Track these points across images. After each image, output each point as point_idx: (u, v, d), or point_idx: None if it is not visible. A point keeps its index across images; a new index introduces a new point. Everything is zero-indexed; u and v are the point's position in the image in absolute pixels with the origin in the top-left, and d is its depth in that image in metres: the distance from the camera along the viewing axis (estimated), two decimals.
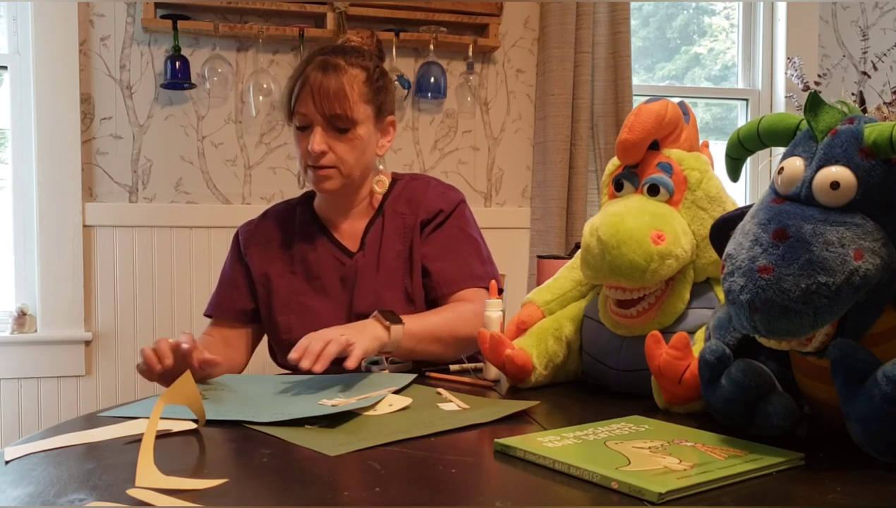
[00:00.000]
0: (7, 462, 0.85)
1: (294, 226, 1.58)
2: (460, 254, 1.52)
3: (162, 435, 0.94)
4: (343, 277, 1.52)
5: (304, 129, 1.44)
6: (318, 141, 1.41)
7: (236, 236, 1.62)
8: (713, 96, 3.26)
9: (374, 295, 1.49)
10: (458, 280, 1.50)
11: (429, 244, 1.53)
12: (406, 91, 2.69)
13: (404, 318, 1.33)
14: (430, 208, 1.54)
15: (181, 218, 2.56)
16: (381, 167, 1.58)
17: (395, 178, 1.60)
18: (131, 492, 0.74)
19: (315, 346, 1.17)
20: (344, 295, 1.51)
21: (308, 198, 1.62)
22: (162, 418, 0.98)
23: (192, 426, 0.98)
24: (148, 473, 0.78)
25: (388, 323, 1.30)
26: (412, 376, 1.26)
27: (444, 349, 1.39)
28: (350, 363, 1.18)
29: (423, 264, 1.51)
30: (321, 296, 1.52)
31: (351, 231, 1.55)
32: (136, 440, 0.91)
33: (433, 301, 1.52)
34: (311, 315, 1.50)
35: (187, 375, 0.95)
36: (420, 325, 1.36)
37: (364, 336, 1.24)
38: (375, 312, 1.32)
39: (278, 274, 1.54)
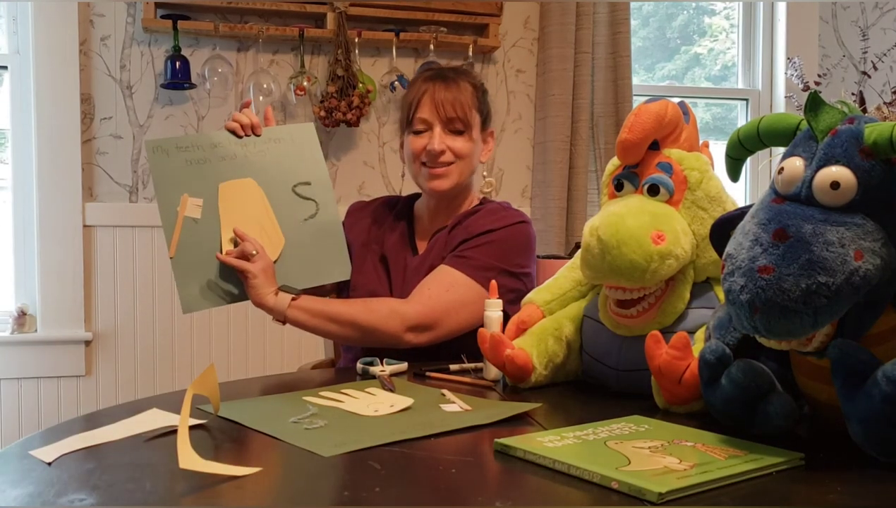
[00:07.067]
0: (49, 464, 0.84)
1: (393, 211, 1.72)
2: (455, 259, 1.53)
3: (165, 434, 0.94)
4: (403, 270, 1.62)
5: (421, 133, 1.58)
6: (438, 141, 1.55)
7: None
8: (713, 96, 3.26)
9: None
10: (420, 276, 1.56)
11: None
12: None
13: (305, 296, 1.46)
14: (475, 228, 1.57)
15: None
16: (483, 173, 1.70)
17: (484, 201, 1.68)
18: (183, 468, 0.78)
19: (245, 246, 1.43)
20: (399, 287, 1.60)
21: (413, 196, 1.74)
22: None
23: (196, 421, 0.98)
24: (189, 456, 0.80)
25: (279, 289, 1.45)
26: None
27: (341, 331, 1.47)
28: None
29: None
30: (382, 278, 1.63)
31: (430, 230, 1.66)
32: (143, 438, 0.92)
33: None
34: (367, 289, 1.60)
35: (211, 368, 0.99)
36: (317, 304, 1.47)
37: (264, 287, 1.42)
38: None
39: (360, 244, 1.67)
